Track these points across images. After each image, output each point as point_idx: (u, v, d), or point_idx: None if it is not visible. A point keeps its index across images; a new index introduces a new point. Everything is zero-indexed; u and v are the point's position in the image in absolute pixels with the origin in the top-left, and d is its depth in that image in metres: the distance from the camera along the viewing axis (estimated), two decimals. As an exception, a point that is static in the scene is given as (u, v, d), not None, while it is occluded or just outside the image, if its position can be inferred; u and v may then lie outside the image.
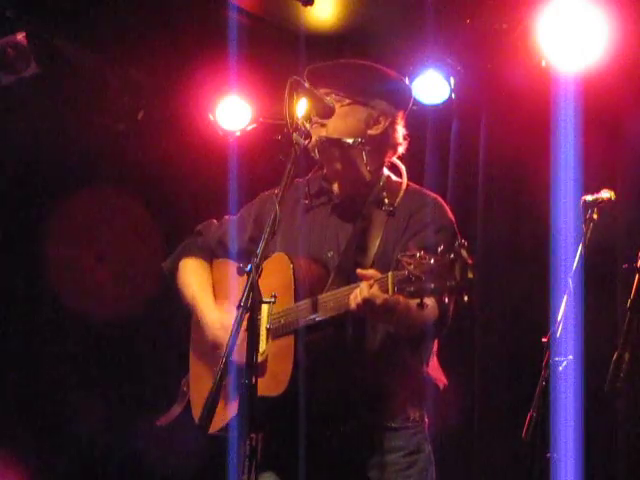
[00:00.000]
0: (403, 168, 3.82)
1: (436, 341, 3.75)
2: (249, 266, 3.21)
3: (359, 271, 3.34)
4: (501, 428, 5.47)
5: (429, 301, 3.33)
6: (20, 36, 5.51)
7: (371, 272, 3.32)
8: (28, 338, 6.43)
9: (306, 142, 3.50)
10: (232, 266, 3.76)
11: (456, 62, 5.81)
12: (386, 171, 3.80)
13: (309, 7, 5.44)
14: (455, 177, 5.95)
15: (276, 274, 3.59)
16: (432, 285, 3.04)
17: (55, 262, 6.28)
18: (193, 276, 3.92)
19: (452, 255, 3.01)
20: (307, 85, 3.57)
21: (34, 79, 5.65)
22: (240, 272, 3.27)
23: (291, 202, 3.80)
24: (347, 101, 3.70)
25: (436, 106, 5.89)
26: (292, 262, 3.59)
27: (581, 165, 5.11)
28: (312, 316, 3.47)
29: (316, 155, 3.70)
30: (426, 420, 3.69)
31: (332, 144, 3.68)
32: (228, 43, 5.55)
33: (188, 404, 3.87)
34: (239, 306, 3.16)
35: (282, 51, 5.90)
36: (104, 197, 6.32)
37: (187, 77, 6.08)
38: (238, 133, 6.21)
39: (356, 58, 3.91)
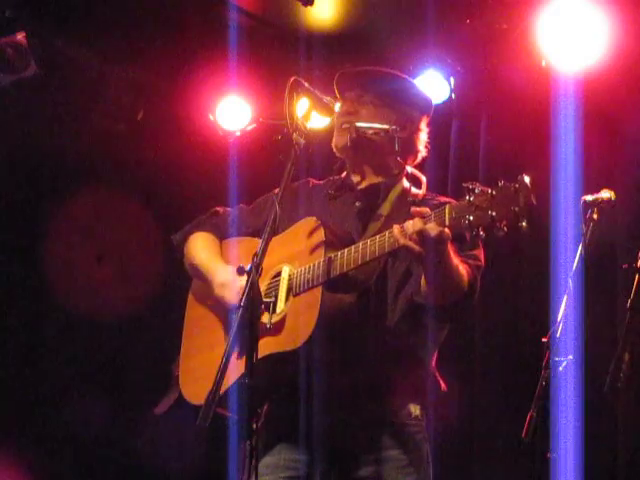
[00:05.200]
0: (423, 178, 3.89)
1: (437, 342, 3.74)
2: (249, 266, 3.21)
3: (413, 209, 3.30)
4: (501, 428, 5.47)
5: (463, 269, 3.38)
6: (20, 36, 5.50)
7: (425, 209, 3.29)
8: (28, 337, 6.43)
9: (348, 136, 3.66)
10: (242, 243, 3.79)
11: (456, 62, 5.82)
12: (406, 182, 3.83)
13: (309, 7, 5.44)
14: (455, 177, 5.95)
15: (304, 234, 3.61)
16: (493, 213, 3.07)
17: (55, 262, 6.28)
18: (203, 245, 3.91)
19: (516, 185, 3.05)
20: (307, 85, 3.58)
21: (33, 79, 5.65)
22: (240, 272, 3.26)
23: (315, 192, 3.86)
24: (378, 103, 3.80)
25: (436, 106, 5.88)
26: (322, 222, 3.60)
27: (581, 165, 5.11)
28: (352, 258, 3.42)
29: (347, 144, 3.74)
30: (425, 419, 3.68)
31: (367, 131, 3.73)
32: (228, 43, 5.56)
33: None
34: (238, 306, 3.15)
35: (282, 51, 5.91)
36: (104, 197, 6.32)
37: (187, 77, 6.08)
38: (238, 133, 6.22)
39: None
